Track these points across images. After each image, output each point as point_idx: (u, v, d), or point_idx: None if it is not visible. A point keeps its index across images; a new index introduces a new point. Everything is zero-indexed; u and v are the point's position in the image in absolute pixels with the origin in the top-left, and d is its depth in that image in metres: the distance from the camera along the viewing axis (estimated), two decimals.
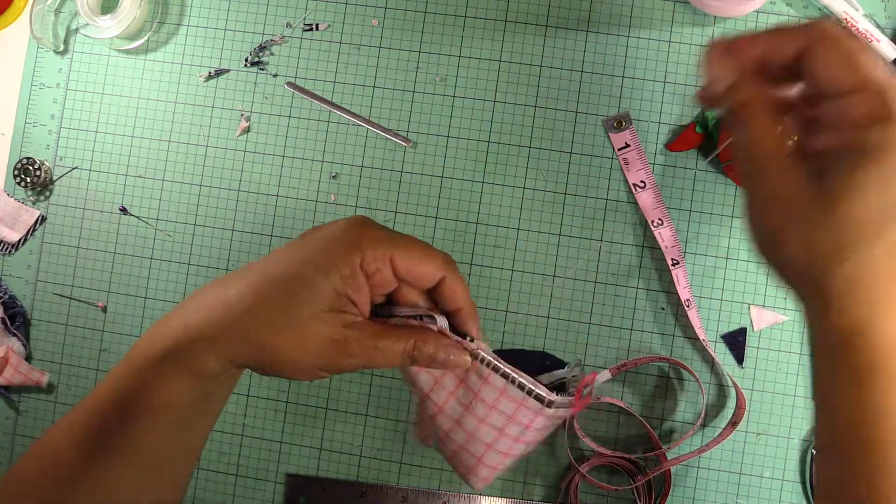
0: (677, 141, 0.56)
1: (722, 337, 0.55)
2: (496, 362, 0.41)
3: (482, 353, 0.41)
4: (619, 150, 0.56)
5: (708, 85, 0.36)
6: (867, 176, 0.32)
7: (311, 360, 0.39)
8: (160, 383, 0.39)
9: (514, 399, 0.41)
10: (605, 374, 0.53)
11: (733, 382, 0.54)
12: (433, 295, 0.42)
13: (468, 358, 0.41)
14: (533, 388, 0.41)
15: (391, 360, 0.40)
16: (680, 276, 0.55)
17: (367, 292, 0.40)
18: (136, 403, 0.39)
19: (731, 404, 0.54)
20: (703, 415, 0.54)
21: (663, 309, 0.55)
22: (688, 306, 0.54)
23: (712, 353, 0.55)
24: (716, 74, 0.36)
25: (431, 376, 0.42)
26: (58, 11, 0.60)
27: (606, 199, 0.56)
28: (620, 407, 0.55)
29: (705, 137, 0.55)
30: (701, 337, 0.54)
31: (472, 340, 0.41)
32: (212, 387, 0.40)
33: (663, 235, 0.55)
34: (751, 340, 0.55)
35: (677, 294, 0.55)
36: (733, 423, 0.54)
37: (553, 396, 0.41)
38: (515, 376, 0.41)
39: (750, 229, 0.36)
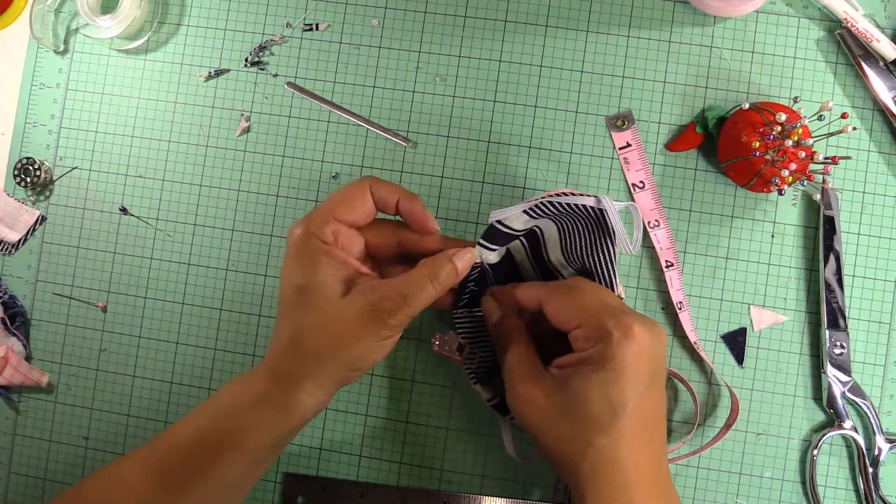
0: (677, 141, 0.56)
1: (722, 337, 0.55)
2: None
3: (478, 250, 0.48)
4: (620, 149, 0.56)
5: (486, 318, 0.49)
6: (590, 382, 0.41)
7: (367, 339, 0.43)
8: (251, 427, 0.44)
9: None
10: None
11: (726, 385, 0.54)
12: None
13: (473, 250, 0.47)
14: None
15: (425, 298, 0.44)
16: (674, 279, 0.55)
17: (355, 259, 0.46)
18: (221, 446, 0.44)
19: (726, 403, 0.54)
20: (696, 422, 0.54)
21: (663, 309, 0.55)
22: (680, 309, 0.54)
23: (704, 356, 0.55)
24: (487, 312, 0.48)
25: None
26: (58, 11, 0.60)
27: None
28: None
29: (705, 137, 0.55)
30: (692, 339, 0.54)
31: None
32: (298, 423, 0.45)
33: (659, 237, 0.55)
34: (751, 340, 0.55)
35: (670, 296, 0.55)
36: (728, 426, 0.54)
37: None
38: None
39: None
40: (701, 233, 0.56)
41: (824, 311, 0.54)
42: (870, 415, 0.53)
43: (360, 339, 0.43)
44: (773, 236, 0.55)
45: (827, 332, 0.54)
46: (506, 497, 0.55)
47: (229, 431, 0.44)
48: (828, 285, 0.54)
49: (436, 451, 0.56)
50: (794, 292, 0.55)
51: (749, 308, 0.55)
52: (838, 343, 0.54)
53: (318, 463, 0.57)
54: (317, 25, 0.59)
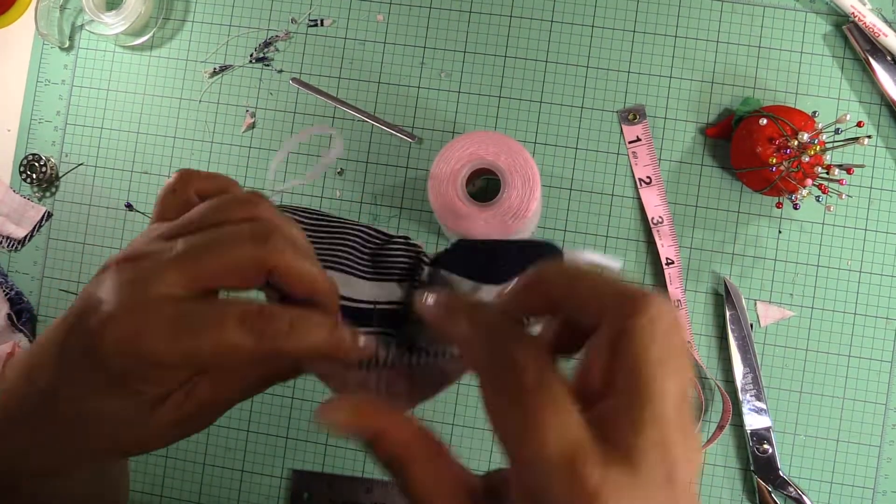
0: (717, 127, 0.55)
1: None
2: None
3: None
4: (630, 143, 0.56)
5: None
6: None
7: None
8: None
9: None
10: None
11: (718, 386, 0.54)
12: None
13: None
14: None
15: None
16: (673, 276, 0.55)
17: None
18: None
19: (719, 402, 0.54)
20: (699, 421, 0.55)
21: None
22: (678, 307, 0.54)
23: (697, 357, 0.55)
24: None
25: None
26: (63, 8, 0.60)
27: (612, 195, 0.56)
28: None
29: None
30: (686, 339, 0.54)
31: None
32: None
33: (661, 233, 0.55)
34: (757, 336, 0.55)
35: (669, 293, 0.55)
36: (720, 427, 0.54)
37: None
38: None
39: None
40: (707, 228, 0.56)
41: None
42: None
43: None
44: (779, 232, 0.55)
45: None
46: None
47: None
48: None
49: None
50: (800, 288, 0.55)
51: (755, 304, 0.55)
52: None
53: (324, 459, 0.57)
54: (322, 21, 0.59)
